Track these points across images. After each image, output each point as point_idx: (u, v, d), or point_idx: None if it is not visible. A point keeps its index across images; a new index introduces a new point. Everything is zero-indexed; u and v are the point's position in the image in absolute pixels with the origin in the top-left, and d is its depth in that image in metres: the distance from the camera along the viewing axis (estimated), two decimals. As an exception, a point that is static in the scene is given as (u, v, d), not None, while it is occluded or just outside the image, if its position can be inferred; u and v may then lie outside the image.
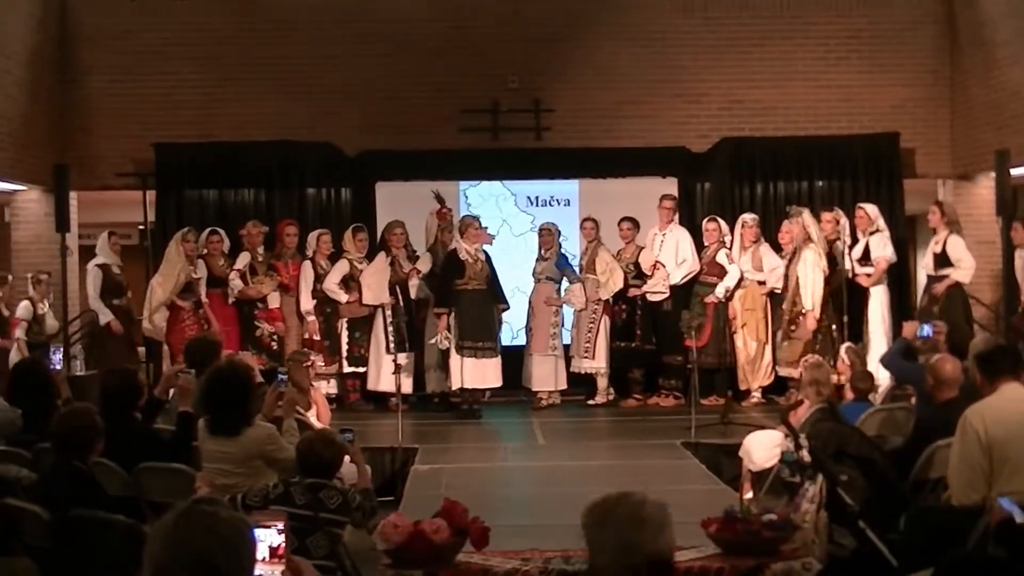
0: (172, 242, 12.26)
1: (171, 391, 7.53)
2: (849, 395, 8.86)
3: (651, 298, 12.60)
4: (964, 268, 11.67)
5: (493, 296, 12.15)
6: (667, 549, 3.08)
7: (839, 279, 12.04)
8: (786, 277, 12.17)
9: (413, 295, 12.48)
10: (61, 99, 13.93)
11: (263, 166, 13.78)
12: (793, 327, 12.00)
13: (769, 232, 12.91)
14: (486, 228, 12.70)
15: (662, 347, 12.63)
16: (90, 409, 6.11)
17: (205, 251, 12.42)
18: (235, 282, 12.31)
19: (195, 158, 13.74)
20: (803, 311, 11.87)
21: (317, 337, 12.43)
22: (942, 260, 11.73)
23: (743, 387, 12.52)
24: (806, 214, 12.12)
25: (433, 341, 12.10)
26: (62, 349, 11.56)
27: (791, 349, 11.94)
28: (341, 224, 13.32)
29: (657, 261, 12.58)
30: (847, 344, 10.49)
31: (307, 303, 12.50)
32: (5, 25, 12.78)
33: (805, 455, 6.07)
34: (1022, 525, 4.90)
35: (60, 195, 12.70)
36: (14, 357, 11.54)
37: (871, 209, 12.40)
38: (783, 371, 12.12)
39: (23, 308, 12.60)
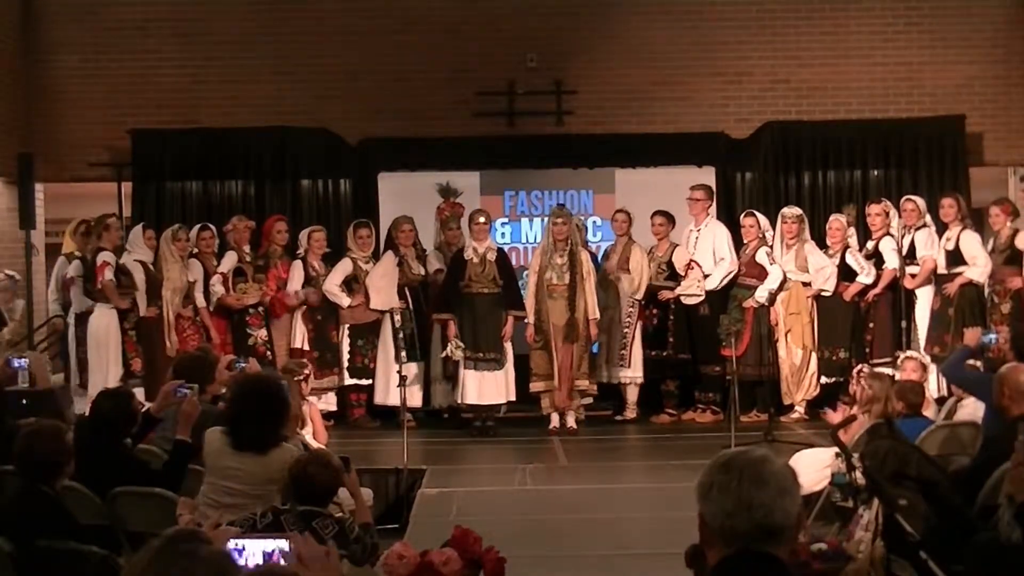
0: (163, 243, 12.11)
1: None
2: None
3: (686, 301, 12.57)
4: (979, 266, 11.81)
5: (504, 301, 12.07)
6: (789, 516, 3.02)
7: (891, 280, 12.06)
8: None
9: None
10: (25, 81, 13.97)
11: (253, 155, 13.81)
12: None
13: (819, 228, 12.88)
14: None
15: (698, 356, 12.57)
16: (58, 428, 6.06)
17: (196, 250, 12.35)
18: (216, 287, 12.21)
19: (177, 146, 13.77)
20: None
21: (306, 347, 12.36)
22: (955, 258, 11.86)
23: (786, 401, 12.47)
24: None
25: (445, 353, 12.08)
26: (26, 360, 11.51)
27: None
28: (340, 220, 13.36)
29: (692, 260, 12.54)
30: (861, 366, 10.49)
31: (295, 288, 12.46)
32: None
33: (859, 477, 6.04)
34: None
35: (24, 188, 12.71)
36: None
37: (920, 202, 12.36)
38: None
39: None
